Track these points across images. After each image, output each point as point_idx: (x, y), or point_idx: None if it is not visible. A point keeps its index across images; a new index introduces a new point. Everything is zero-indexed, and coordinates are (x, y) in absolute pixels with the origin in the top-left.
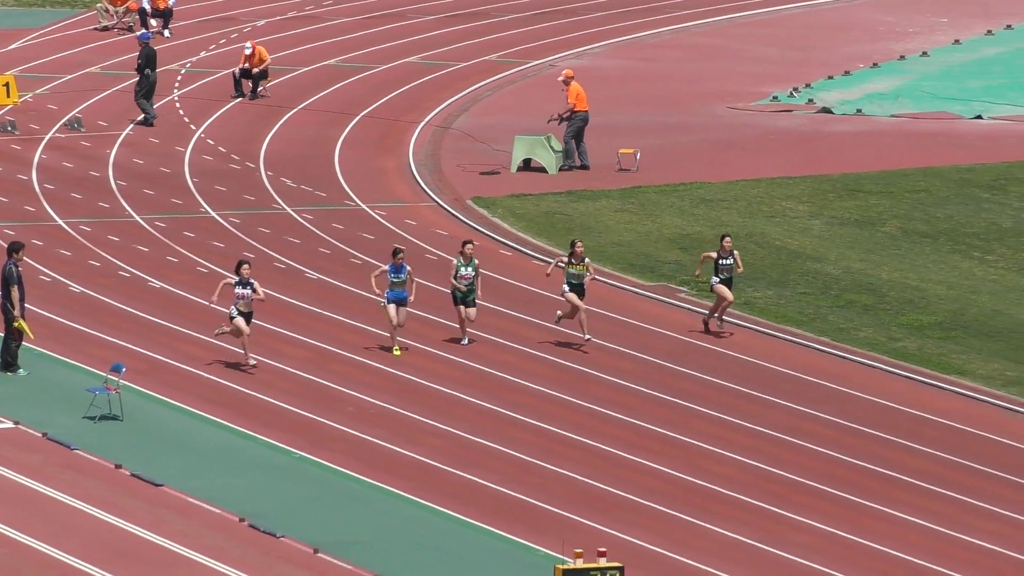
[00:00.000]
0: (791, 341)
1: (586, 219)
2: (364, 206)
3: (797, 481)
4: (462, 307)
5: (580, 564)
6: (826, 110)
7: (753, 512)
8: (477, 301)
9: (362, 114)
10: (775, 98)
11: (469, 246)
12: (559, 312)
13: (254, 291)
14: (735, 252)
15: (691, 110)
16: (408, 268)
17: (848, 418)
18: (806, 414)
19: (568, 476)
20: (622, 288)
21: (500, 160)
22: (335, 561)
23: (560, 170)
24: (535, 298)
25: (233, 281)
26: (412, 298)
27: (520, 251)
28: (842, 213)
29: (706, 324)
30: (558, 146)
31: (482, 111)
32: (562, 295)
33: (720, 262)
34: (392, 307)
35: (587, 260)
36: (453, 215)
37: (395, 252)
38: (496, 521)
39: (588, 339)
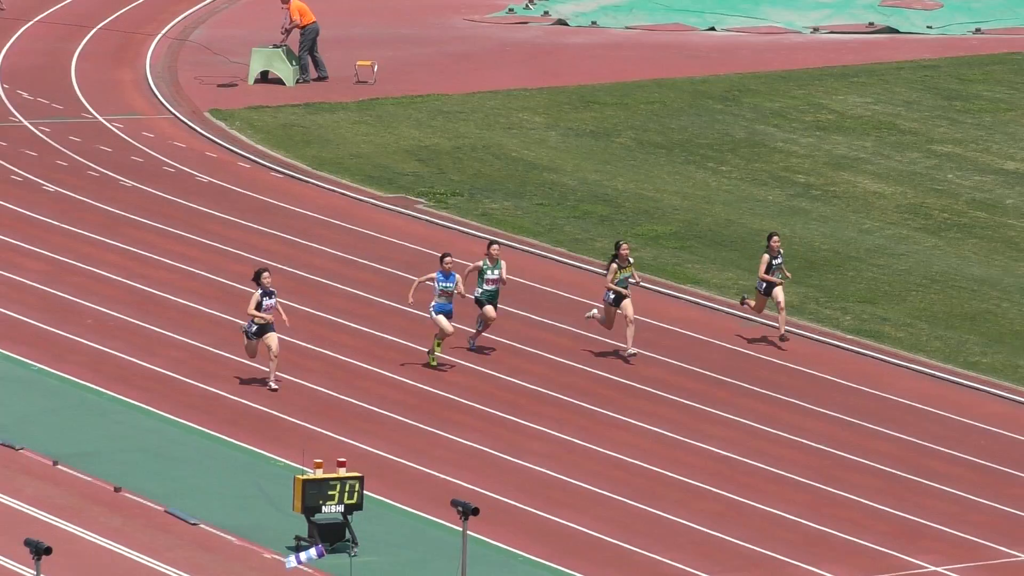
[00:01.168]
0: (528, 252)
1: (324, 131)
2: (101, 119)
3: (533, 390)
4: (488, 307)
5: (320, 474)
6: (561, 22)
7: (490, 421)
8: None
9: (98, 26)
10: (511, 10)
11: (495, 247)
12: (594, 312)
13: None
14: (781, 252)
15: (428, 22)
16: (457, 276)
17: (584, 327)
18: (542, 323)
19: (307, 387)
20: (361, 200)
21: (237, 72)
22: (74, 473)
23: (297, 82)
24: (267, 207)
25: (258, 292)
26: (462, 290)
27: (258, 163)
28: (578, 125)
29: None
30: (295, 58)
31: (219, 23)
32: (604, 302)
33: (772, 262)
34: (442, 317)
35: (632, 261)
36: (191, 127)
37: (443, 258)
38: (236, 432)
39: (635, 353)
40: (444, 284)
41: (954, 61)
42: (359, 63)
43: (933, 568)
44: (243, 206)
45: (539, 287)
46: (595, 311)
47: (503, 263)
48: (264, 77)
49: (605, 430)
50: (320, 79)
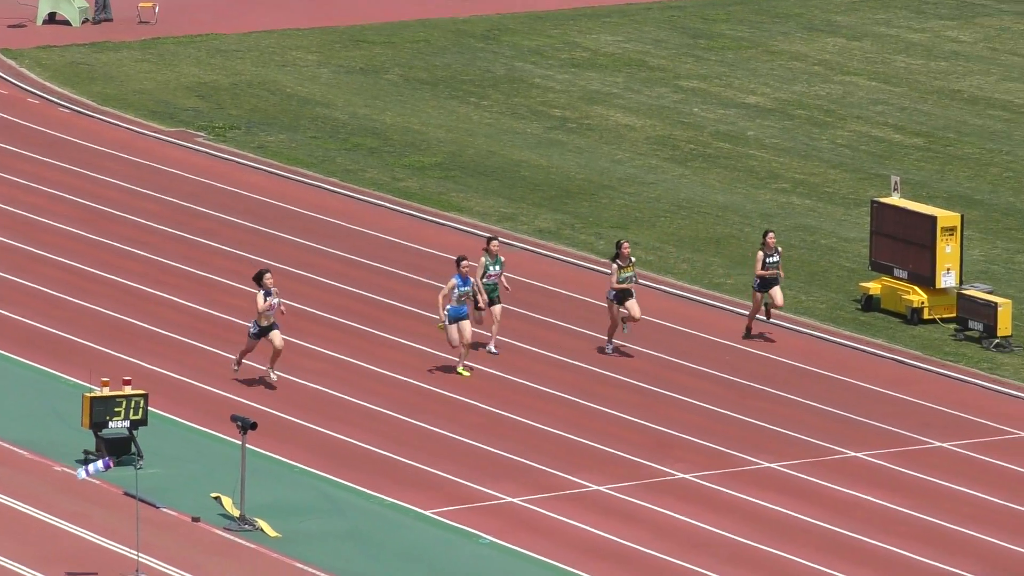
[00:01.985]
0: (302, 182)
1: (108, 69)
2: None
3: (309, 312)
4: (492, 308)
5: (107, 392)
6: None
7: None
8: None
9: None
10: None
11: (495, 243)
12: (622, 324)
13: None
14: (779, 249)
15: None
16: (472, 279)
17: (356, 253)
18: (317, 250)
19: (94, 309)
20: (144, 134)
21: (26, 13)
22: None
23: (84, 23)
24: (56, 141)
25: (261, 293)
26: (481, 289)
27: (47, 99)
28: (348, 62)
29: (749, 329)
30: (82, 1)
31: None
32: (607, 300)
33: (767, 260)
34: (453, 328)
35: (633, 260)
36: None
37: (459, 261)
38: (27, 352)
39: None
40: (463, 288)
41: (699, 2)
42: (141, 4)
43: (682, 475)
44: (33, 140)
45: (313, 215)
46: (622, 322)
47: (503, 259)
48: (52, 18)
49: (375, 349)
50: (105, 20)
